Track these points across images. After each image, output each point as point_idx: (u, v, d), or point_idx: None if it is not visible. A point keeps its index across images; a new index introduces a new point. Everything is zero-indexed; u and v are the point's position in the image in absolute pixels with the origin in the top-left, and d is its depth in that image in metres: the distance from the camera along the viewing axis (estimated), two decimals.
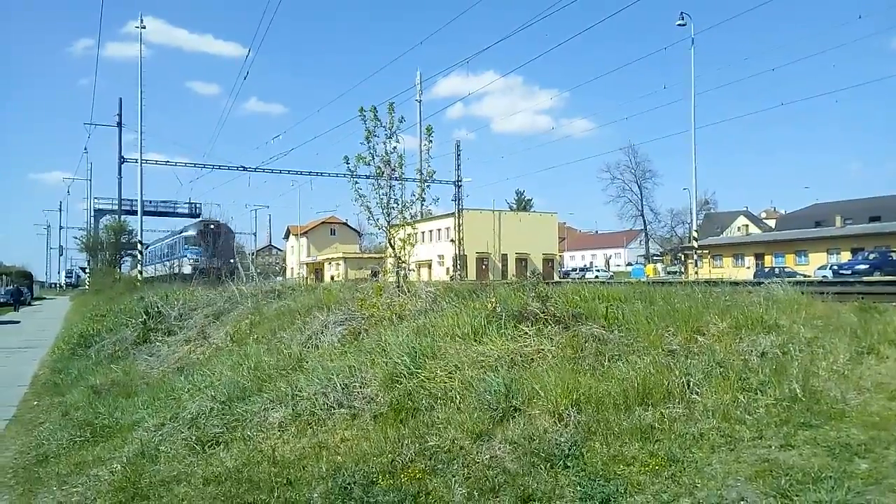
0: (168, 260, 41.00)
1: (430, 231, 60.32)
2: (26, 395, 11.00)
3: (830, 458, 3.78)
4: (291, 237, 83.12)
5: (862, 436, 3.94)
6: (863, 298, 7.06)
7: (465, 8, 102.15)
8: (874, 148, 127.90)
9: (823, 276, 30.89)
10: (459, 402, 5.42)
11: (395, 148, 9.82)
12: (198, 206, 58.70)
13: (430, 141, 10.83)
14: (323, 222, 79.40)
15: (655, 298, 7.12)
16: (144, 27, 34.78)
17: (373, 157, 9.78)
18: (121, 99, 41.53)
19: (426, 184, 10.64)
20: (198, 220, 40.71)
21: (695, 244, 38.94)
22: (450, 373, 5.93)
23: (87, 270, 59.85)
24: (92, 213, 58.99)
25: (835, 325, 5.53)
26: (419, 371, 6.09)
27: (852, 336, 5.25)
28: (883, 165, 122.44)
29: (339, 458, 5.10)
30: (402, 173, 10.15)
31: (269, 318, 11.42)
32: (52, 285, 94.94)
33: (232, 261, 35.20)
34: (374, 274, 19.26)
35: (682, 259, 63.73)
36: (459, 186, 52.97)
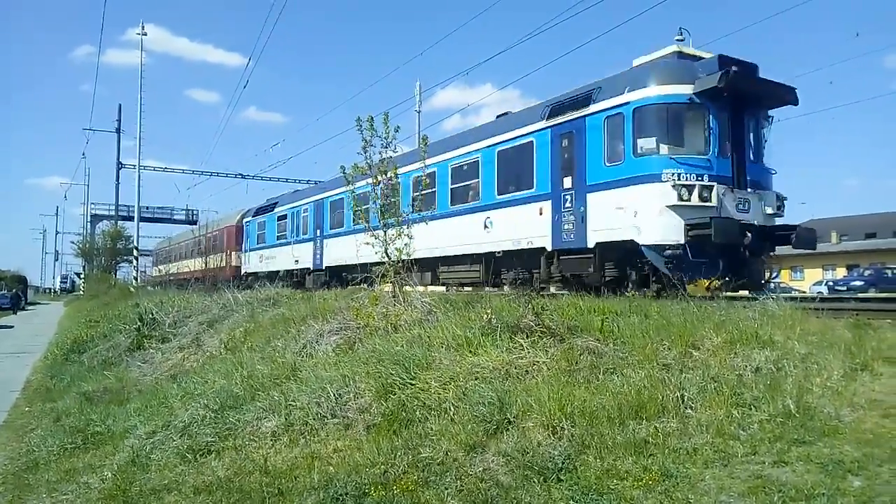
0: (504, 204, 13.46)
1: None
2: (18, 401, 10.94)
3: (824, 474, 3.77)
4: None
5: (855, 453, 3.93)
6: (857, 315, 7.08)
7: (464, 21, 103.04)
8: (871, 164, 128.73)
9: (819, 293, 30.99)
10: (453, 414, 5.39)
11: (391, 158, 9.85)
12: (195, 212, 58.41)
13: (426, 152, 10.90)
14: None
15: (651, 312, 7.12)
16: (146, 34, 34.72)
17: (369, 166, 9.80)
18: (120, 105, 41.78)
19: (423, 192, 10.65)
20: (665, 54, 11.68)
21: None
22: (444, 384, 5.91)
23: (83, 276, 59.68)
24: (88, 219, 58.97)
25: (829, 342, 5.53)
26: (413, 382, 6.07)
27: (847, 353, 5.24)
28: (880, 182, 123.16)
29: (332, 468, 5.07)
30: (399, 182, 10.17)
31: (264, 326, 11.37)
32: (47, 290, 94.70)
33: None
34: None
35: None
36: None
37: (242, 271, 27.36)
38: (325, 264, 19.84)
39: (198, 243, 34.78)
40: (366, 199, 9.78)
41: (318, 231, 20.90)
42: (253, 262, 26.46)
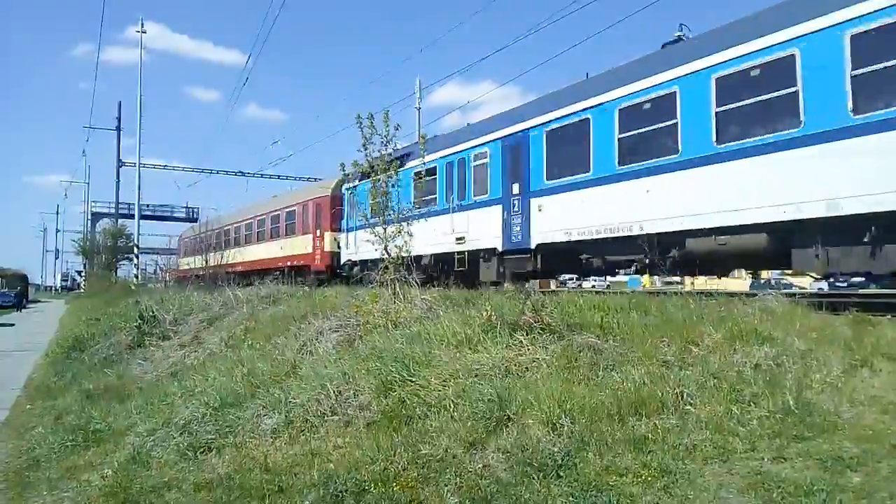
0: None
1: None
2: (19, 399, 10.94)
3: (823, 471, 3.78)
4: None
5: (854, 449, 3.94)
6: (857, 311, 7.07)
7: (464, 18, 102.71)
8: None
9: (819, 289, 30.94)
10: (453, 411, 5.40)
11: (390, 154, 9.86)
12: (195, 210, 58.49)
13: (424, 149, 10.96)
14: None
15: (651, 309, 7.12)
16: (145, 32, 34.67)
17: (369, 164, 9.82)
18: (120, 103, 41.83)
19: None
20: None
21: None
22: (444, 381, 5.91)
23: (84, 274, 59.80)
24: (89, 217, 59.05)
25: (829, 338, 5.54)
26: (413, 379, 6.07)
27: (846, 349, 5.25)
28: None
29: (332, 465, 5.08)
30: (399, 179, 10.19)
31: (265, 323, 11.38)
32: (48, 288, 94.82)
33: None
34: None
35: None
36: None
37: (343, 259, 19.72)
38: (534, 241, 12.35)
39: (261, 223, 25.39)
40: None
41: (517, 185, 12.90)
42: (363, 245, 16.59)
